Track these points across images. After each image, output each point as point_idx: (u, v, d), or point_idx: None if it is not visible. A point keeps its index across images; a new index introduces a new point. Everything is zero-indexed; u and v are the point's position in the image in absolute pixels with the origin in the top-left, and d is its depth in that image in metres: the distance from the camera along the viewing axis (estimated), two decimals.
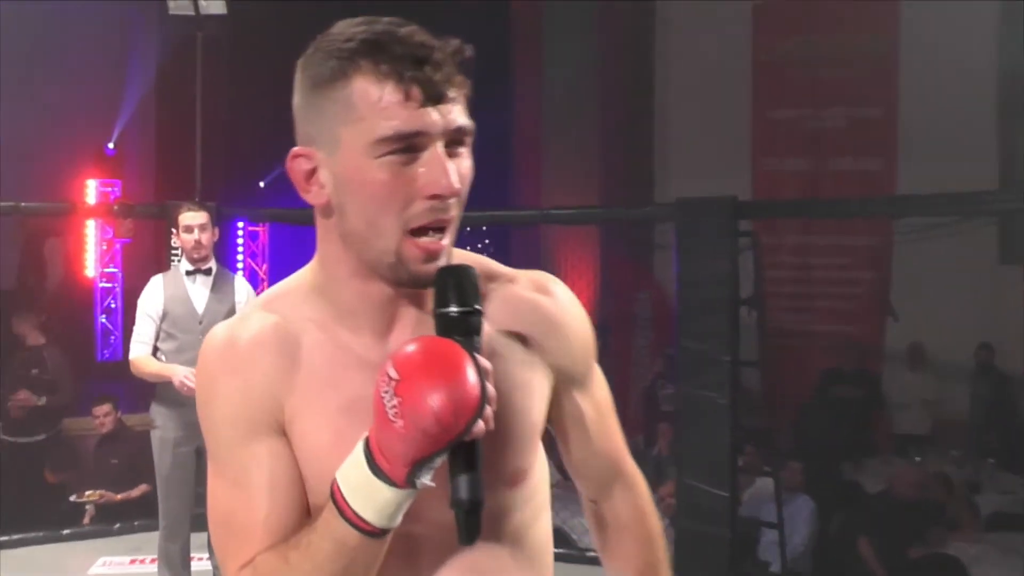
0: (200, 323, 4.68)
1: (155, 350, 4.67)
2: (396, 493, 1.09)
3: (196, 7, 7.83)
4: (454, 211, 1.18)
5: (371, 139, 1.13)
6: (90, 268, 9.57)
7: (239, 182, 9.84)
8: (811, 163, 9.27)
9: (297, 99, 1.19)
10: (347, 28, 1.16)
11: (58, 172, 9.59)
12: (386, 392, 1.06)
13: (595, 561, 1.50)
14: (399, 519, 1.11)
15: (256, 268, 8.19)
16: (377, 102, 1.12)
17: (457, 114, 1.16)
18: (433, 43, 1.15)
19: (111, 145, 10.28)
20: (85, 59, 10.55)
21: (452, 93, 1.15)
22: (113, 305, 9.71)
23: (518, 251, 10.02)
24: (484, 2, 9.74)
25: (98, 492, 6.60)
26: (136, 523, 6.49)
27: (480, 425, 1.07)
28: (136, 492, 6.62)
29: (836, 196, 8.34)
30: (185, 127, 9.94)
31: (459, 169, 1.17)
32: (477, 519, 1.09)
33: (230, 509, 1.19)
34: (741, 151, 9.42)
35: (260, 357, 1.21)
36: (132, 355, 4.67)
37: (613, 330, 9.15)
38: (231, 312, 4.69)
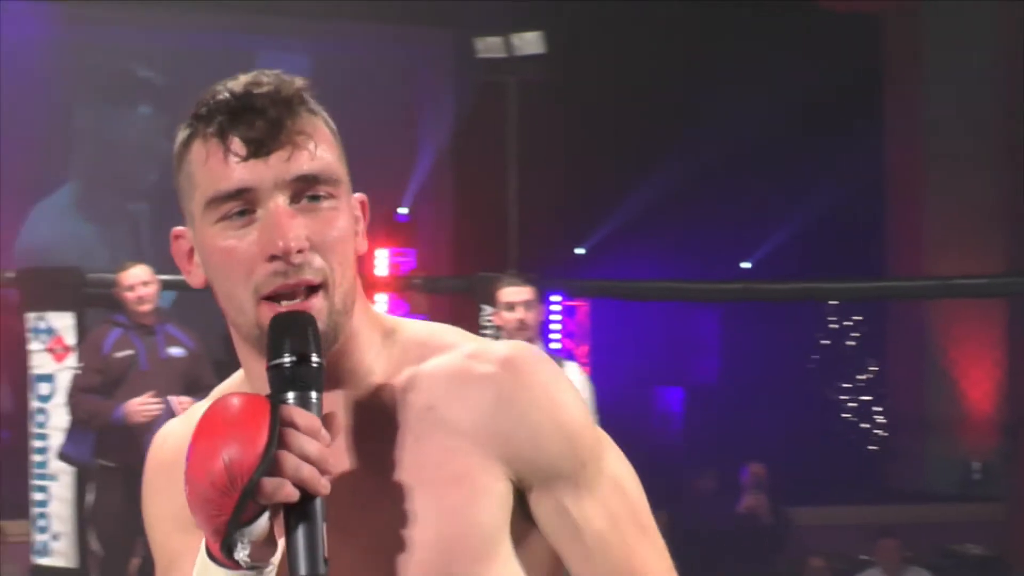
0: None
1: None
2: (229, 574, 1.12)
3: (508, 47, 7.93)
4: (308, 274, 1.18)
5: (203, 205, 1.19)
6: None
7: (553, 249, 9.83)
8: None
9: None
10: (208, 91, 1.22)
11: None
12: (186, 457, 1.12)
13: None
14: None
15: (573, 351, 8.09)
16: (204, 164, 1.18)
17: (298, 161, 1.18)
18: (260, 87, 1.18)
19: (403, 211, 10.57)
20: (371, 116, 10.97)
21: (286, 138, 1.17)
22: None
23: (895, 331, 9.48)
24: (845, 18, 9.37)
25: None
26: None
27: (282, 487, 1.08)
28: None
29: None
30: (487, 188, 10.05)
31: (313, 223, 1.18)
32: None
33: None
34: None
35: (174, 475, 1.21)
36: None
37: None
38: None
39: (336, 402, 1.22)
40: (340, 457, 1.21)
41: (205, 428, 1.11)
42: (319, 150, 1.19)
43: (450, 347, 1.26)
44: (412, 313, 10.18)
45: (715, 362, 10.98)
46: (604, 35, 9.45)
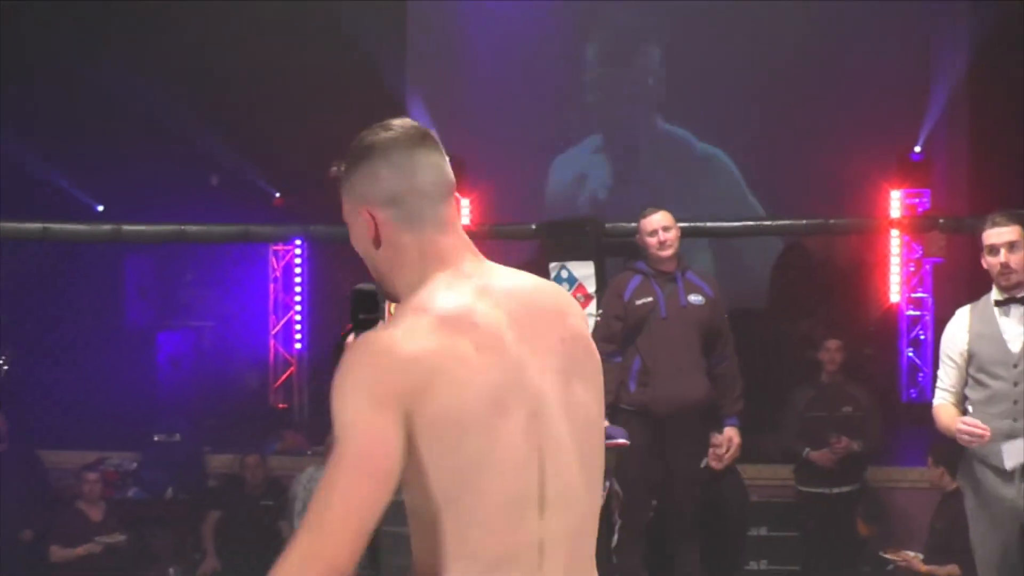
0: (1015, 367, 4.12)
1: (965, 398, 4.27)
2: None
3: None
4: None
5: None
6: (895, 293, 9.47)
7: None
8: None
9: None
10: None
11: (857, 181, 9.66)
12: None
13: None
14: None
15: None
16: None
17: None
18: None
19: (917, 149, 10.11)
20: (883, 53, 10.56)
21: None
22: (922, 337, 9.49)
23: None
24: None
25: (912, 554, 6.52)
26: None
27: None
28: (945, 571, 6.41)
29: None
30: (1007, 123, 9.41)
31: None
32: None
33: None
34: None
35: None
36: (934, 402, 4.34)
37: None
38: None
39: None
40: None
41: None
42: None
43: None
44: (927, 256, 9.74)
45: None
46: None
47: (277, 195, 11.04)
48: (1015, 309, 4.13)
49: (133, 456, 8.29)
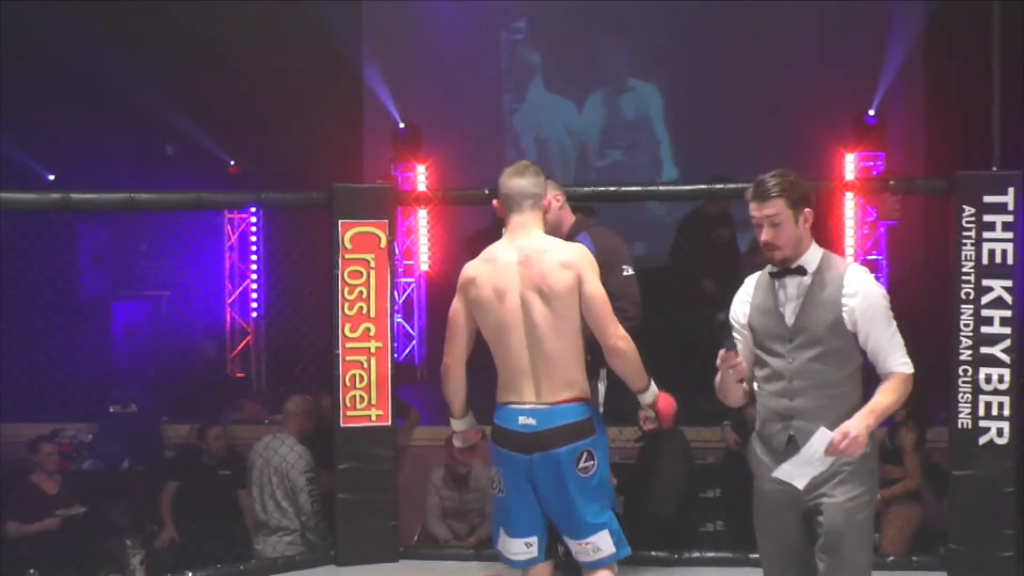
0: (790, 341, 3.77)
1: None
2: None
3: None
4: None
5: None
6: (849, 255, 9.52)
7: None
8: None
9: None
10: None
11: (813, 145, 9.71)
12: None
13: None
14: None
15: None
16: None
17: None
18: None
19: (871, 112, 10.15)
20: (839, 16, 10.60)
21: None
22: None
23: None
24: None
25: None
26: None
27: None
28: None
29: None
30: (963, 86, 9.46)
31: None
32: None
33: None
34: None
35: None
36: None
37: None
38: (836, 323, 3.71)
39: None
40: None
41: None
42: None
43: None
44: (881, 219, 9.81)
45: None
46: None
47: (232, 163, 10.95)
48: (791, 280, 3.79)
49: (88, 427, 8.23)
